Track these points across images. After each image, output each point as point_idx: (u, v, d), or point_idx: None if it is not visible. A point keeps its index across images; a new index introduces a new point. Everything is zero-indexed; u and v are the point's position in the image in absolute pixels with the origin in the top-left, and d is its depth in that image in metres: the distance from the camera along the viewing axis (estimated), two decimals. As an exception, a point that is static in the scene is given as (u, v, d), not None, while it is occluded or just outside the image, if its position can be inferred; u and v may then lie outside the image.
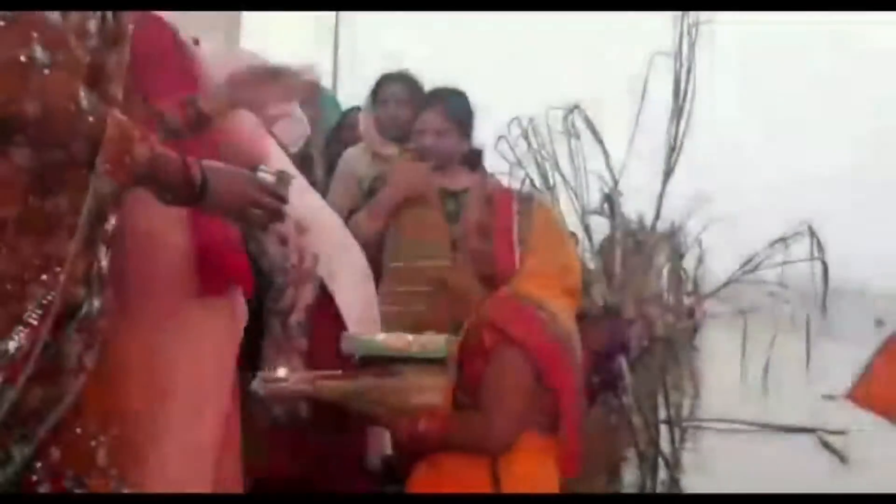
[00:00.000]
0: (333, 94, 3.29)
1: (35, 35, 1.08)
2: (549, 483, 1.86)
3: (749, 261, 3.80)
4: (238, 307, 1.71)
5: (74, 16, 1.14)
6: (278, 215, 1.40)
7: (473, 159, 2.73)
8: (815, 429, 6.14)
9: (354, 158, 2.82)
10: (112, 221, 1.25)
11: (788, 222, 3.78)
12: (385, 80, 2.93)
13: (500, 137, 3.73)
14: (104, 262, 1.22)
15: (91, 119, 1.12)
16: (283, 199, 1.39)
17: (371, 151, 2.82)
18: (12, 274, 1.09)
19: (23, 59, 1.07)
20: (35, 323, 1.09)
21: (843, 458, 5.34)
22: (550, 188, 3.75)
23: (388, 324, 2.40)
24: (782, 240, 3.68)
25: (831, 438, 5.80)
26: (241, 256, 1.72)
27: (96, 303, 1.19)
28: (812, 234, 3.54)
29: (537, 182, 3.77)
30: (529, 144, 3.73)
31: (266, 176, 1.40)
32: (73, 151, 1.11)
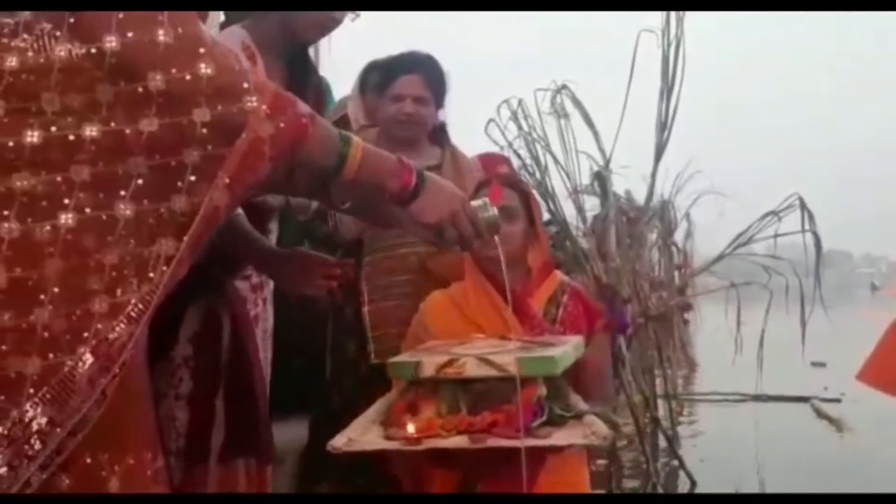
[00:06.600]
0: (328, 84, 3.24)
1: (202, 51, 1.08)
2: None
3: (741, 234, 3.82)
4: None
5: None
6: (467, 243, 1.39)
7: (440, 134, 2.56)
8: (810, 397, 6.21)
9: None
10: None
11: (779, 194, 3.81)
12: (373, 67, 2.91)
13: (489, 121, 3.72)
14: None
15: (205, 132, 1.07)
16: (479, 233, 1.38)
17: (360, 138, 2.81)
18: (121, 267, 1.07)
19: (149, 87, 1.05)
20: (136, 317, 1.07)
21: (838, 426, 5.40)
22: (542, 169, 3.76)
23: (375, 322, 2.38)
24: (773, 213, 3.69)
25: (826, 407, 5.86)
26: None
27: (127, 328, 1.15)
28: (803, 205, 3.56)
29: (528, 164, 3.77)
30: (520, 127, 3.73)
31: (480, 204, 1.38)
32: (185, 162, 1.07)
